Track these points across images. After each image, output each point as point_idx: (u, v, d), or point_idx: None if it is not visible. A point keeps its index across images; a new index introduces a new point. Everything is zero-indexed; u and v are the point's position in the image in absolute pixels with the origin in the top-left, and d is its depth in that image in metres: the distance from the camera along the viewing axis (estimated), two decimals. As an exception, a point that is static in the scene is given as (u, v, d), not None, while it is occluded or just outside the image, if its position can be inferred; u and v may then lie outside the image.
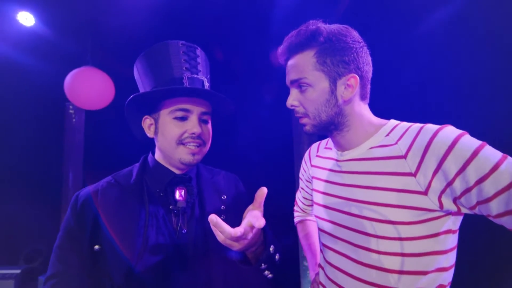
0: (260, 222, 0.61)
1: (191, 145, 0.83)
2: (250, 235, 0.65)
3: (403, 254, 0.67)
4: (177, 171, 0.88)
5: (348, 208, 0.76)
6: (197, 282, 0.79)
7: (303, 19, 0.78)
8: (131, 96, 0.82)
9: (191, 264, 0.80)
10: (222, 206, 0.89)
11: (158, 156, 0.90)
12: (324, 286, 0.85)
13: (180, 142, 0.82)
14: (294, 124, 2.68)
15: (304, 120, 0.80)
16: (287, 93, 0.82)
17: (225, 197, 0.92)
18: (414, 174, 0.65)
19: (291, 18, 2.07)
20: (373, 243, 0.69)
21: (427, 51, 1.83)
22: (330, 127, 0.78)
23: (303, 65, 0.75)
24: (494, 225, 0.62)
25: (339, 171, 0.81)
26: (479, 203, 0.58)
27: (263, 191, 0.69)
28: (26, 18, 2.26)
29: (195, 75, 0.84)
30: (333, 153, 0.86)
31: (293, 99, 0.79)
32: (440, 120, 0.69)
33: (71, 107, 2.85)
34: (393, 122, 0.77)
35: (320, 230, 0.88)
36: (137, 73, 0.90)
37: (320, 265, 0.91)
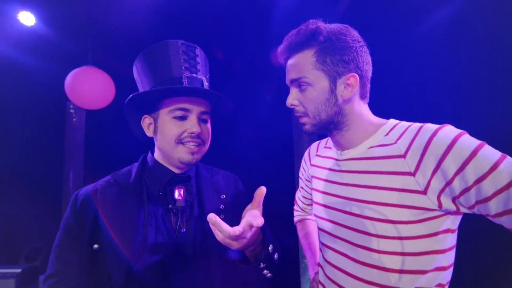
0: (259, 221, 0.61)
1: (190, 145, 0.83)
2: (249, 234, 0.65)
3: (402, 253, 0.67)
4: (176, 171, 0.88)
5: (348, 208, 0.76)
6: (196, 281, 0.79)
7: (303, 19, 0.78)
8: (131, 96, 0.82)
9: (190, 263, 0.80)
10: (221, 206, 0.89)
11: (157, 155, 0.90)
12: (323, 285, 0.85)
13: (179, 142, 0.82)
14: (294, 124, 2.68)
15: (303, 120, 0.80)
16: (287, 92, 0.82)
17: (224, 196, 0.92)
18: (413, 174, 0.65)
19: (291, 18, 2.07)
20: (372, 243, 0.70)
21: (427, 51, 1.83)
22: (330, 127, 0.78)
23: (303, 64, 0.75)
24: (493, 224, 0.62)
25: (339, 170, 0.81)
26: (478, 202, 0.58)
27: (262, 190, 0.69)
28: (26, 18, 2.26)
29: (195, 75, 0.84)
30: (333, 152, 0.86)
31: (293, 98, 0.79)
32: (440, 119, 0.70)
33: (71, 106, 2.85)
34: (392, 121, 0.77)
35: (319, 229, 0.88)
36: (137, 72, 0.90)
37: (319, 264, 0.91)
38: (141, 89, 0.89)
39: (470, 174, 0.58)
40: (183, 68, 0.84)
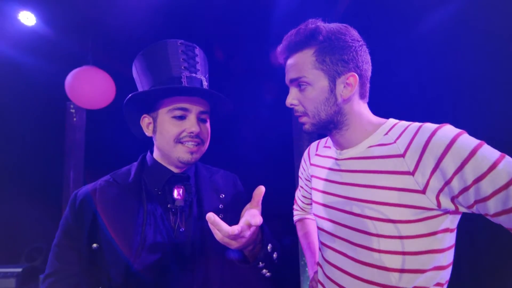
0: (257, 219, 0.61)
1: (189, 144, 0.83)
2: (247, 233, 0.65)
3: (401, 253, 0.67)
4: (175, 170, 0.88)
5: (347, 207, 0.76)
6: (194, 280, 0.79)
7: (303, 19, 0.78)
8: (130, 95, 0.82)
9: (189, 263, 0.80)
10: (220, 205, 0.89)
11: (156, 155, 0.90)
12: (323, 284, 0.85)
13: (179, 141, 0.83)
14: (294, 124, 2.68)
15: (303, 119, 0.80)
16: (287, 92, 0.82)
17: (223, 196, 0.92)
18: (412, 173, 0.65)
19: (291, 18, 2.07)
20: (372, 242, 0.70)
21: (427, 51, 1.83)
22: (329, 126, 0.78)
23: (302, 64, 0.75)
24: (493, 224, 0.62)
25: (338, 170, 0.81)
26: (476, 202, 0.58)
27: (260, 190, 0.69)
28: (27, 18, 2.26)
29: (194, 74, 0.84)
30: (332, 151, 0.86)
31: (292, 98, 0.79)
32: (440, 119, 0.70)
33: (72, 106, 2.86)
34: (392, 121, 0.77)
35: (319, 228, 0.89)
36: (136, 72, 0.90)
37: (318, 264, 0.91)
38: (140, 89, 0.90)
39: (469, 174, 0.58)
40: (182, 67, 0.84)
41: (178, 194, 0.84)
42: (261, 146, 2.64)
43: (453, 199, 0.62)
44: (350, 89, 0.74)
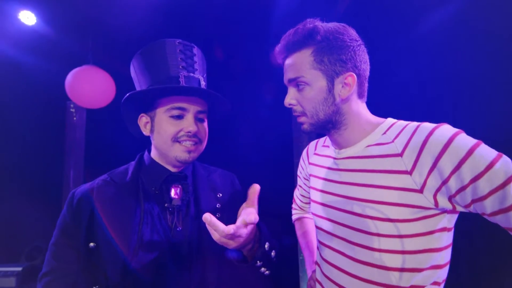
0: (251, 217, 0.61)
1: (187, 143, 0.83)
2: (244, 232, 0.65)
3: (401, 252, 0.67)
4: (172, 169, 0.88)
5: (345, 206, 0.76)
6: (191, 280, 0.79)
7: (303, 19, 0.78)
8: (127, 94, 0.82)
9: (186, 262, 0.80)
10: (218, 204, 0.89)
11: (154, 154, 0.90)
12: (321, 283, 0.85)
13: (176, 140, 0.83)
14: (294, 123, 2.69)
15: (301, 119, 0.80)
16: (286, 92, 0.82)
17: (220, 195, 0.92)
18: (410, 172, 0.65)
19: (291, 18, 2.07)
20: (370, 241, 0.70)
21: (427, 51, 1.83)
22: (328, 126, 0.79)
23: (300, 63, 0.75)
24: (491, 223, 0.62)
25: (337, 169, 0.82)
26: (474, 201, 0.58)
27: (255, 188, 0.69)
28: (27, 17, 2.26)
29: (192, 74, 0.84)
30: (331, 151, 0.86)
31: (290, 98, 0.79)
32: (440, 119, 0.70)
33: (72, 105, 2.86)
34: (390, 120, 0.77)
35: (317, 227, 0.89)
36: (134, 71, 0.90)
37: (316, 262, 0.91)
38: (138, 88, 0.90)
39: (466, 173, 0.58)
40: (180, 67, 0.84)
41: (176, 193, 0.84)
42: (260, 146, 2.64)
43: (450, 198, 0.62)
44: (348, 89, 0.74)
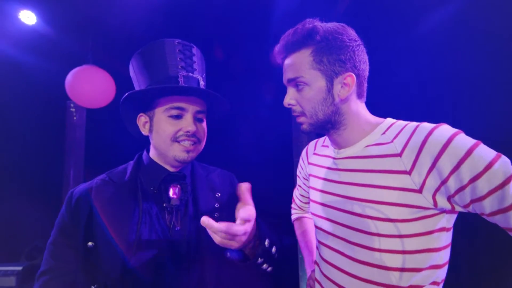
0: (245, 214, 0.61)
1: (186, 143, 0.83)
2: (241, 230, 0.63)
3: (398, 252, 0.67)
4: (171, 169, 0.88)
5: (345, 206, 0.76)
6: (190, 279, 0.79)
7: (303, 19, 0.78)
8: (126, 94, 0.82)
9: (184, 261, 0.80)
10: (216, 204, 0.89)
11: (152, 153, 0.90)
12: (320, 282, 0.85)
13: (175, 140, 0.82)
14: (294, 123, 2.68)
15: (301, 119, 0.80)
16: (286, 92, 0.82)
17: (219, 194, 0.92)
18: (409, 172, 0.65)
19: (291, 18, 2.07)
20: (369, 240, 0.70)
21: (427, 51, 1.83)
22: (327, 126, 0.79)
23: (299, 64, 0.75)
24: (490, 223, 0.62)
25: (336, 169, 0.82)
26: (472, 201, 0.58)
27: (242, 188, 0.68)
28: (27, 17, 2.27)
29: (191, 74, 0.84)
30: (330, 150, 0.86)
31: (290, 98, 0.79)
32: (440, 119, 0.70)
33: (72, 105, 2.86)
34: (389, 120, 0.77)
35: (316, 227, 0.89)
36: (133, 70, 0.90)
37: (316, 262, 0.92)
38: (137, 88, 0.89)
39: (465, 173, 0.58)
40: (179, 67, 0.84)
41: (174, 193, 0.83)
42: (260, 146, 2.64)
43: (449, 198, 0.62)
44: (348, 89, 0.74)
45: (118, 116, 0.91)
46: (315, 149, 0.98)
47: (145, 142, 0.96)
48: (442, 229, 0.67)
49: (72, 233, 0.77)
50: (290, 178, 2.59)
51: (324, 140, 0.95)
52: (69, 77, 2.22)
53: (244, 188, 0.69)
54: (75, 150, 2.87)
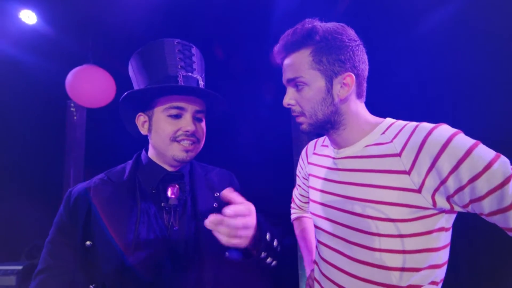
0: (244, 205, 0.61)
1: (185, 143, 0.83)
2: (236, 223, 0.61)
3: (398, 251, 0.67)
4: (170, 169, 0.88)
5: (344, 206, 0.76)
6: (188, 279, 0.79)
7: (303, 19, 0.77)
8: (126, 93, 0.82)
9: (182, 261, 0.80)
10: (215, 204, 0.89)
11: (151, 153, 0.90)
12: (319, 282, 0.85)
13: (174, 139, 0.82)
14: (294, 123, 2.68)
15: (300, 119, 0.80)
16: (285, 92, 0.82)
17: (218, 194, 0.91)
18: (408, 172, 0.65)
19: (291, 17, 2.07)
20: (369, 240, 0.70)
21: (427, 51, 1.83)
22: (327, 126, 0.79)
23: (299, 64, 0.75)
24: (490, 223, 0.62)
25: (336, 169, 0.82)
26: (472, 201, 0.58)
27: (224, 194, 0.64)
28: (28, 17, 2.27)
29: (190, 74, 0.84)
30: (330, 150, 0.86)
31: (289, 98, 0.79)
32: (440, 119, 0.70)
33: (72, 105, 2.87)
34: (389, 120, 0.77)
35: (316, 227, 0.89)
36: (132, 70, 0.90)
37: (315, 262, 0.92)
38: (136, 87, 0.89)
39: (464, 173, 0.58)
40: (179, 67, 0.84)
41: (172, 192, 0.83)
42: (260, 146, 2.64)
43: (448, 198, 0.62)
44: (347, 89, 0.74)
45: (118, 115, 0.91)
46: (314, 149, 0.98)
47: (145, 142, 0.97)
48: (441, 229, 0.67)
49: (70, 232, 0.77)
50: (290, 178, 2.59)
51: (324, 140, 0.95)
52: (69, 76, 2.22)
53: (227, 192, 0.65)
54: (75, 150, 2.87)
